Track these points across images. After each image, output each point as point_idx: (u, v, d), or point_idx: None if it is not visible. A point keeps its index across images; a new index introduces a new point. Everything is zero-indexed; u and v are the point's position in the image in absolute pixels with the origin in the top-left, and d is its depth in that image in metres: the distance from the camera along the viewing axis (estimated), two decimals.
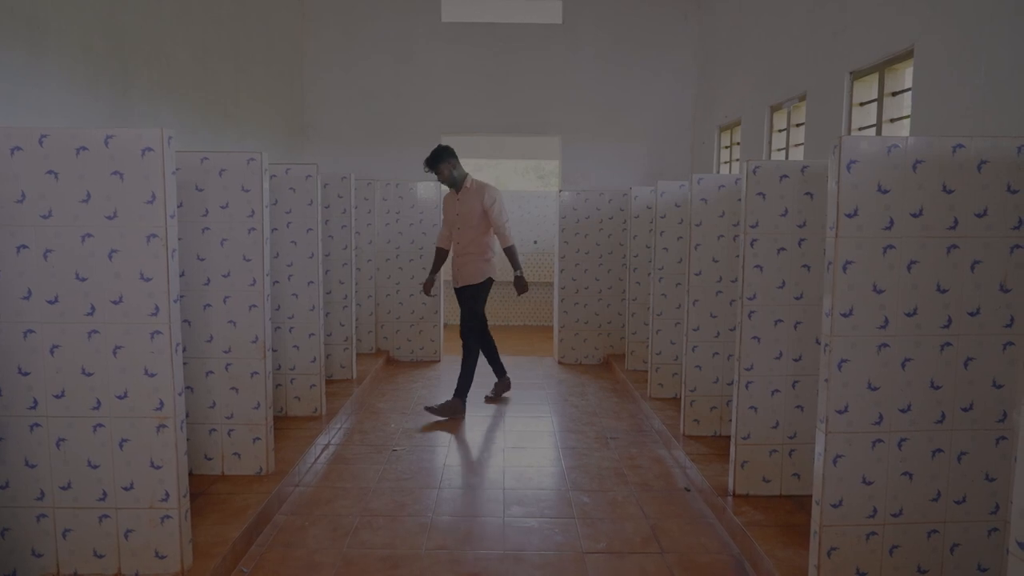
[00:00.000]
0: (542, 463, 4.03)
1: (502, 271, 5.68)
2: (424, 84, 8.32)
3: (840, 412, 2.28)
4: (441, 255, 5.26)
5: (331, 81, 8.26)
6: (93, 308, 2.36)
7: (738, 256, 3.18)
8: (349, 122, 8.29)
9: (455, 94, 8.35)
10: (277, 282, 4.23)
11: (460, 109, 8.37)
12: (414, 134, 8.32)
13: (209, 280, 3.28)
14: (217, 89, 5.64)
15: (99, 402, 2.40)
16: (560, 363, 6.62)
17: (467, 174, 5.02)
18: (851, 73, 4.72)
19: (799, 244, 3.08)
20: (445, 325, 7.86)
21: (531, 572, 2.81)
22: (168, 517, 2.44)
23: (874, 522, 2.32)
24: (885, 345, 2.26)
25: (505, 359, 6.91)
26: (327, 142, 8.23)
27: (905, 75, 4.32)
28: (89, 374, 2.39)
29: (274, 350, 4.26)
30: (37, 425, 2.40)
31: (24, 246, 2.33)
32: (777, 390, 3.16)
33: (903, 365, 2.27)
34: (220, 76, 5.70)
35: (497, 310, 9.01)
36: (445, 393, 5.49)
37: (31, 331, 2.36)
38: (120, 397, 2.40)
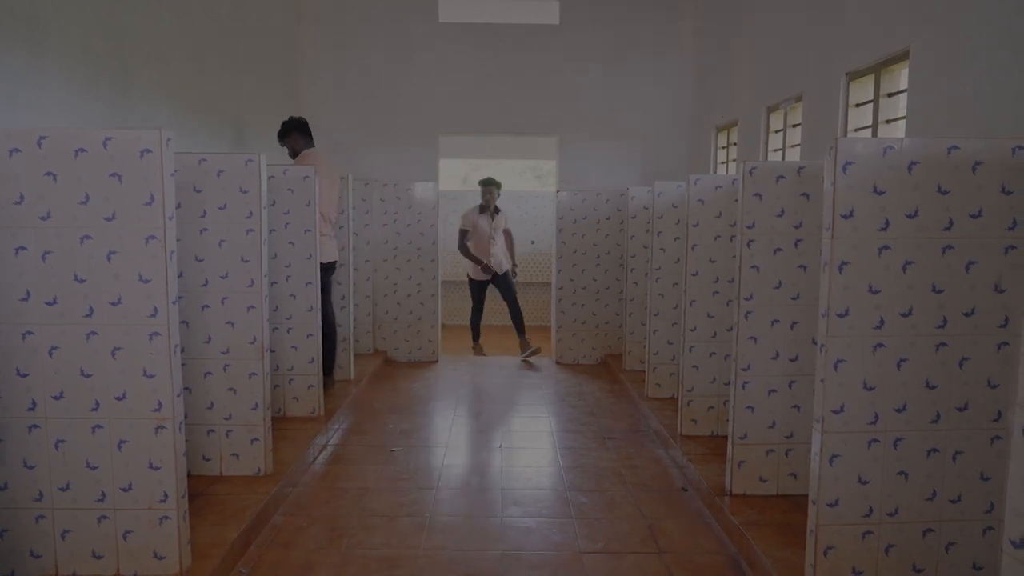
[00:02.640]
0: (540, 463, 4.04)
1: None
2: (421, 84, 8.33)
3: (836, 412, 2.29)
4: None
5: (329, 82, 8.27)
6: (92, 309, 2.37)
7: (735, 256, 3.19)
8: (347, 123, 8.30)
9: (452, 94, 8.35)
10: (275, 283, 4.24)
11: (457, 109, 8.38)
12: (412, 135, 8.33)
13: (207, 281, 3.29)
14: (216, 90, 5.64)
15: (98, 403, 2.40)
16: (558, 363, 6.63)
17: (307, 149, 4.88)
18: (847, 74, 4.73)
19: (795, 245, 3.09)
20: (443, 325, 7.87)
21: (529, 572, 2.82)
22: (167, 518, 2.45)
23: (870, 521, 2.34)
24: (881, 345, 2.27)
25: (503, 359, 6.96)
26: (325, 143, 8.22)
27: (901, 76, 4.34)
28: (88, 375, 2.39)
29: (272, 351, 4.26)
30: (36, 426, 2.41)
31: (23, 247, 2.33)
32: (774, 390, 3.17)
33: (899, 365, 2.28)
34: (219, 77, 5.70)
35: (496, 310, 9.02)
36: (443, 393, 5.51)
37: (30, 332, 2.37)
38: (119, 398, 2.40)
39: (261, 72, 6.85)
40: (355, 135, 8.32)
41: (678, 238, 4.85)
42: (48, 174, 2.31)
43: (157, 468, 2.43)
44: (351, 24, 8.24)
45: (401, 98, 8.33)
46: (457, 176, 14.88)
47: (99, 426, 2.41)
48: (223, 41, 5.82)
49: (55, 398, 2.40)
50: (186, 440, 3.33)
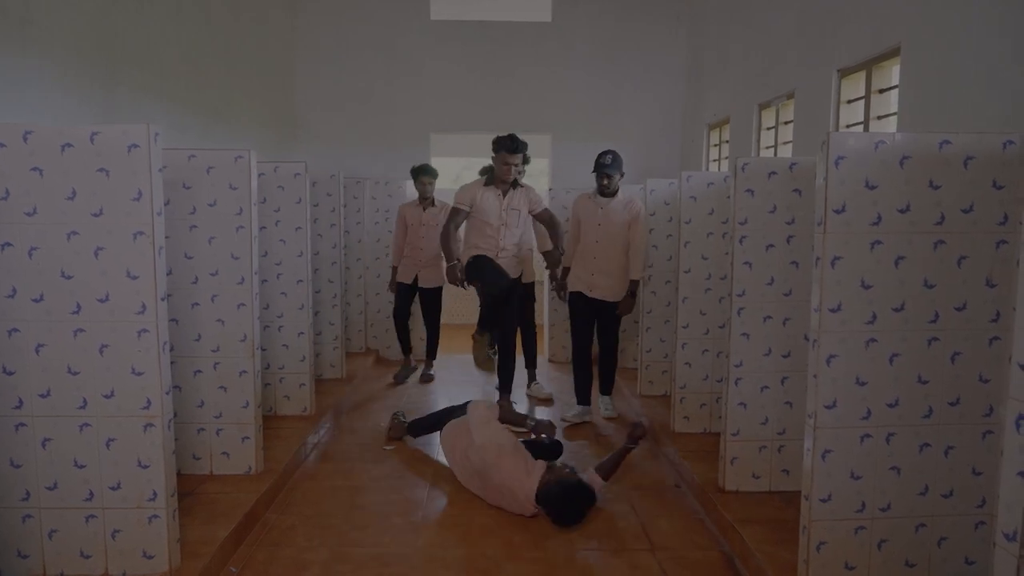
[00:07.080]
0: None
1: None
2: (413, 82, 8.30)
3: (828, 407, 2.29)
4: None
5: (321, 80, 8.22)
6: (79, 306, 2.34)
7: (727, 253, 3.19)
8: (339, 121, 8.25)
9: (444, 92, 8.32)
10: (266, 281, 4.21)
11: (449, 107, 8.34)
12: (404, 132, 8.29)
13: (197, 278, 3.26)
14: (208, 89, 5.59)
15: (85, 401, 2.38)
16: (551, 361, 6.60)
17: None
18: (838, 71, 4.74)
19: (788, 241, 3.09)
20: None
21: (523, 569, 2.81)
22: (156, 517, 2.42)
23: (862, 516, 2.34)
24: (873, 340, 2.27)
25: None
26: (317, 141, 8.19)
27: (892, 72, 4.35)
28: (75, 373, 2.37)
29: (263, 349, 4.23)
30: (22, 425, 2.38)
31: (8, 244, 2.31)
32: (766, 386, 3.17)
33: (891, 360, 2.28)
34: (211, 76, 5.66)
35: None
36: (434, 392, 5.49)
37: (16, 330, 2.34)
38: (107, 396, 2.38)
39: (254, 70, 6.81)
40: (348, 133, 8.27)
41: (670, 235, 4.85)
42: (34, 170, 2.28)
43: (146, 466, 2.40)
44: (344, 21, 8.20)
45: (393, 96, 8.29)
46: (450, 175, 14.86)
47: (87, 424, 2.39)
48: (215, 40, 5.78)
49: (42, 396, 2.37)
50: (176, 439, 3.29)
